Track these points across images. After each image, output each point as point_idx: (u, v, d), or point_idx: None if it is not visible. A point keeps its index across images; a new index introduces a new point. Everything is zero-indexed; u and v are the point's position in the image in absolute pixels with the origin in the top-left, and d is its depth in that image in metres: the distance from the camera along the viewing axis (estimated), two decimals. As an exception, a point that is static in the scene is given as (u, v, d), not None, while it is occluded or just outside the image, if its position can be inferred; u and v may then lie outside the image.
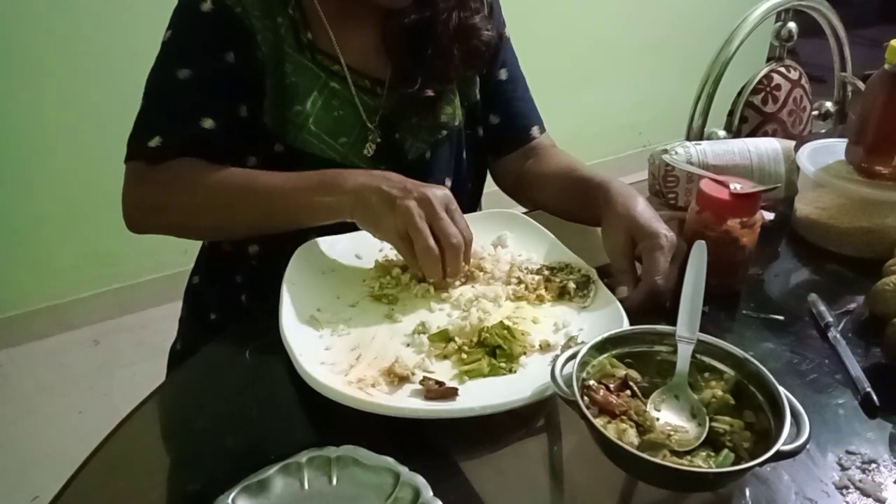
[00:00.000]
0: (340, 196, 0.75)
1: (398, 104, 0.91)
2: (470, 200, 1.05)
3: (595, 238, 0.81)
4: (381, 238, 0.75)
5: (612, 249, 0.77)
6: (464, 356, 0.67)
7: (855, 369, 0.67)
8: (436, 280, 0.74)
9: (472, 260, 0.78)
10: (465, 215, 0.93)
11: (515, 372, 0.65)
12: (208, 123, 0.83)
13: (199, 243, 1.04)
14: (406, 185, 0.73)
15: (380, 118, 0.91)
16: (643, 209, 0.77)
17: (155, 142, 0.82)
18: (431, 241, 0.71)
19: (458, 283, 0.77)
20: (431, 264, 0.71)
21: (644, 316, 0.68)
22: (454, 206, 0.74)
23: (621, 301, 0.72)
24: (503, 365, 0.66)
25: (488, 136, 1.02)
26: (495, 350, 0.67)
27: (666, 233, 0.74)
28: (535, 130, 1.02)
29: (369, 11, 0.90)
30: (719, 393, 0.58)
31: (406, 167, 0.91)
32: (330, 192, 0.76)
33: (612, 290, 0.74)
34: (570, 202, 0.90)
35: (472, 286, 0.77)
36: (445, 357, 0.67)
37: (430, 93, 0.90)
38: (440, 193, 0.73)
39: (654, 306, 0.71)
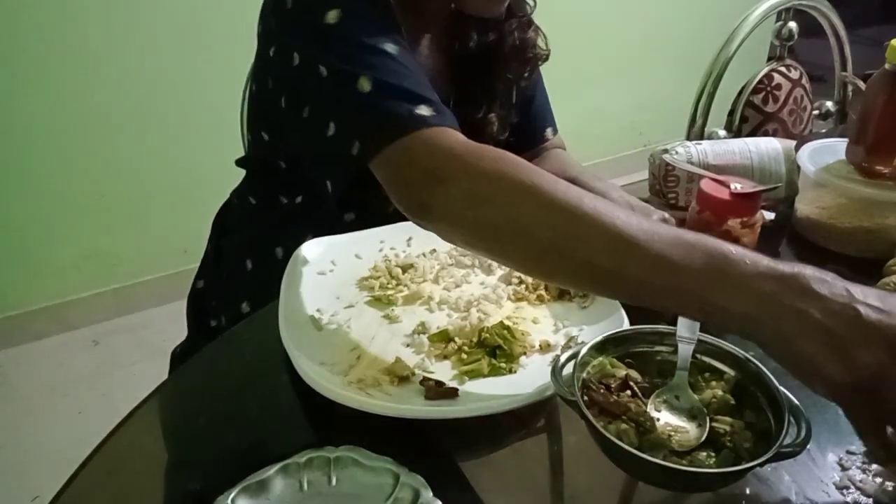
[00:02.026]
0: (744, 304, 0.49)
1: (461, 126, 0.88)
2: None
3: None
4: (828, 391, 0.48)
5: None
6: (464, 356, 0.67)
7: (855, 369, 0.66)
8: None
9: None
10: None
11: (515, 372, 0.65)
12: (434, 96, 0.68)
13: (202, 244, 1.03)
14: (860, 312, 0.47)
15: None
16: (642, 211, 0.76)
17: (425, 110, 0.65)
18: None
19: None
20: None
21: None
22: None
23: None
24: (503, 365, 0.65)
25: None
26: (495, 350, 0.67)
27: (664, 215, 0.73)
28: (548, 132, 1.02)
29: (437, 33, 0.89)
30: (720, 393, 0.58)
31: None
32: (728, 292, 0.50)
33: None
34: None
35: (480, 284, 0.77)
36: (445, 357, 0.67)
37: (492, 118, 0.90)
38: None
39: None
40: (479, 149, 0.61)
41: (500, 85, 0.90)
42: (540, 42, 0.93)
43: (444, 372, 0.65)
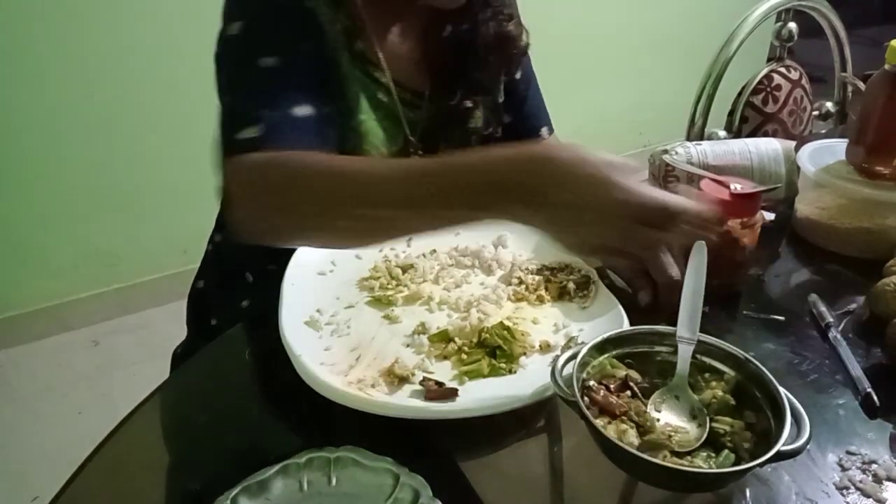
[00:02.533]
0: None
1: (437, 116, 0.90)
2: None
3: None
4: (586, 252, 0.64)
5: (613, 263, 0.76)
6: (464, 356, 0.67)
7: (855, 370, 0.67)
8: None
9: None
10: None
11: (515, 372, 0.65)
12: (306, 110, 0.74)
13: (202, 244, 1.04)
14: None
15: (421, 130, 0.90)
16: None
17: (252, 132, 0.71)
18: (674, 271, 0.63)
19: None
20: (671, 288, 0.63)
21: (667, 318, 0.64)
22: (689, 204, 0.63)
23: (648, 307, 0.68)
24: (503, 365, 0.65)
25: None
26: (495, 350, 0.67)
27: None
28: (544, 131, 1.02)
29: (411, 23, 0.89)
30: (720, 393, 0.58)
31: None
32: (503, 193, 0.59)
33: (616, 293, 0.74)
34: None
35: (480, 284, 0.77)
36: (445, 357, 0.67)
37: (468, 104, 0.90)
38: (680, 203, 0.61)
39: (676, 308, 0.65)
40: (272, 163, 0.68)
41: (477, 74, 0.90)
42: (523, 37, 0.93)
43: (444, 372, 0.65)
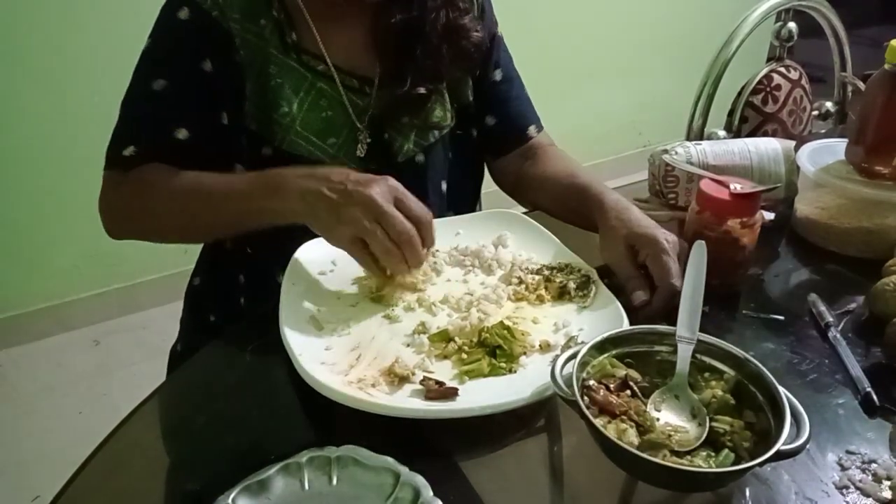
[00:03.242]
0: (285, 202, 0.73)
1: (388, 104, 0.90)
2: (469, 201, 1.05)
3: (595, 238, 0.81)
4: (336, 246, 0.73)
5: (613, 260, 0.77)
6: (464, 356, 0.67)
7: (855, 369, 0.67)
8: (401, 276, 0.74)
9: (436, 245, 0.78)
10: (465, 216, 0.94)
11: (515, 372, 0.65)
12: (182, 134, 0.83)
13: (200, 244, 1.04)
14: (347, 187, 0.70)
15: (369, 118, 0.90)
16: (638, 217, 0.77)
17: (129, 151, 0.83)
18: (387, 242, 0.69)
19: (421, 276, 0.77)
20: (393, 261, 0.71)
21: (665, 319, 0.66)
22: (401, 192, 0.71)
23: (642, 307, 0.71)
24: (503, 365, 0.66)
25: (485, 137, 1.02)
26: (495, 350, 0.67)
27: (665, 236, 0.74)
28: (531, 130, 1.02)
29: (356, 10, 0.89)
30: (719, 393, 0.58)
31: (398, 169, 0.91)
32: (274, 197, 0.74)
33: (616, 293, 0.74)
34: (566, 209, 0.91)
35: (481, 283, 0.77)
36: (445, 357, 0.67)
37: (421, 90, 0.90)
38: (383, 188, 0.70)
39: (675, 308, 0.70)
40: (132, 178, 0.84)
41: (428, 62, 0.90)
42: (478, 32, 0.93)
43: (444, 372, 0.65)
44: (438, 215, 0.97)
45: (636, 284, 0.74)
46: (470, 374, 0.65)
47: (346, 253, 0.80)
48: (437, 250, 0.83)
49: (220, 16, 0.83)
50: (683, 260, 0.75)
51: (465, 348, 0.67)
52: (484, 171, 1.07)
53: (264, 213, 0.75)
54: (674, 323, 0.61)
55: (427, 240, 0.72)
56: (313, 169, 0.74)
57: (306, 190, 0.72)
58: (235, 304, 0.94)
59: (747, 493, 0.54)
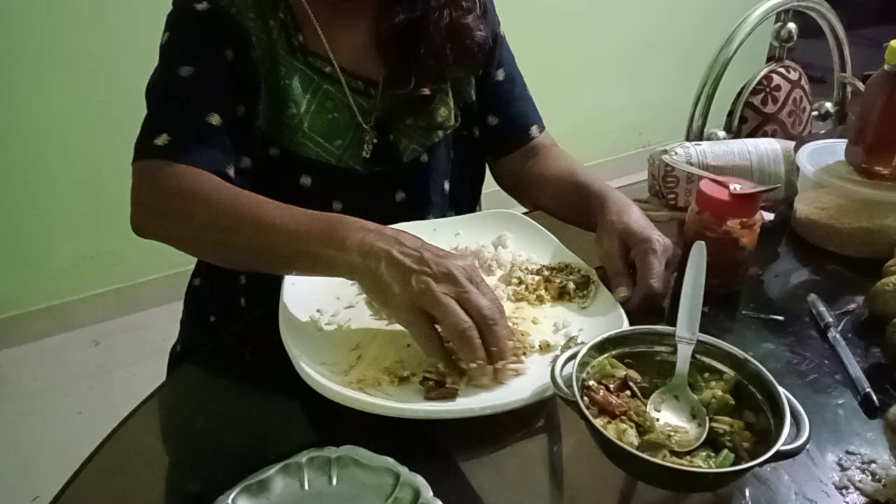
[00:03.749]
0: (342, 252, 0.65)
1: (393, 105, 0.90)
2: (469, 201, 1.05)
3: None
4: (390, 315, 0.67)
5: (605, 254, 0.77)
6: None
7: (855, 370, 0.67)
8: (477, 367, 0.61)
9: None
10: (465, 216, 0.94)
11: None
12: (215, 119, 0.81)
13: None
14: (423, 255, 0.63)
15: (375, 119, 0.90)
16: (637, 217, 0.77)
17: (162, 139, 0.78)
18: (465, 317, 0.60)
19: (510, 370, 0.63)
20: (470, 346, 0.60)
21: (641, 317, 0.68)
22: (479, 277, 0.64)
23: (622, 303, 0.72)
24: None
25: (487, 137, 1.02)
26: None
27: (659, 238, 0.75)
28: (534, 130, 1.02)
29: (360, 12, 0.90)
30: (719, 393, 0.58)
31: (402, 169, 0.92)
32: (330, 245, 0.66)
33: (611, 292, 0.74)
34: (568, 207, 0.91)
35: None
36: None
37: (425, 91, 0.90)
38: (462, 264, 0.63)
39: (651, 308, 0.72)
40: (171, 174, 0.76)
41: (431, 62, 0.90)
42: (482, 31, 0.93)
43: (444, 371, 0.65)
44: (441, 215, 0.97)
45: (621, 280, 0.74)
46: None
47: None
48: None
49: (237, 13, 0.83)
50: (674, 267, 0.75)
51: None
52: (485, 171, 1.07)
53: (318, 261, 0.67)
54: (674, 323, 0.61)
55: (506, 333, 0.63)
56: (381, 228, 0.67)
57: (371, 246, 0.64)
58: (236, 304, 0.94)
59: (747, 494, 0.54)
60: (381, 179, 0.92)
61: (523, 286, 0.77)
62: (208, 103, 0.81)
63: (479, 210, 1.07)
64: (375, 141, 0.91)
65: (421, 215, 0.93)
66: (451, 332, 0.61)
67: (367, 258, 0.64)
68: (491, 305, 0.62)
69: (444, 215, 0.97)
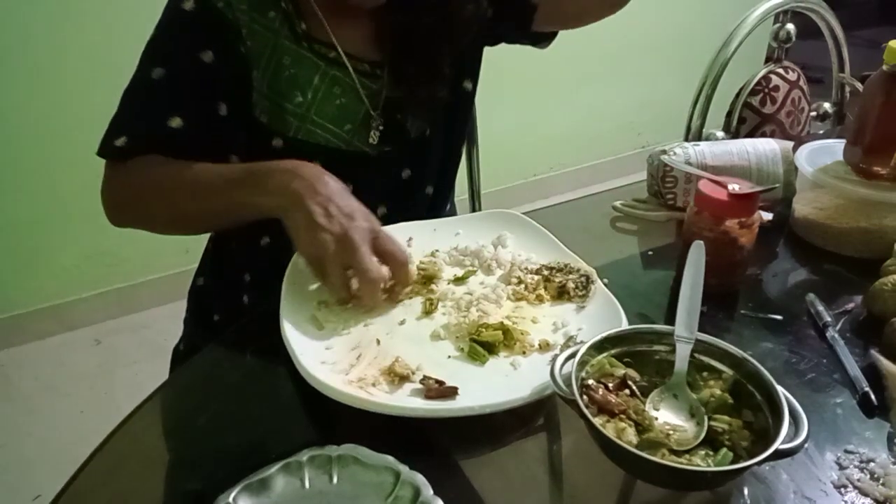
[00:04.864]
0: (264, 196, 0.73)
1: (400, 83, 0.91)
2: (456, 165, 1.08)
3: (595, 239, 0.81)
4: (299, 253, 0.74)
5: None
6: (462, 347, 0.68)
7: (853, 369, 0.67)
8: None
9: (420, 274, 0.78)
10: (465, 216, 0.95)
11: (516, 367, 0.66)
12: (176, 122, 0.82)
13: (202, 243, 1.04)
14: (330, 210, 0.69)
15: (384, 101, 0.91)
16: None
17: (121, 141, 0.82)
18: (349, 291, 0.70)
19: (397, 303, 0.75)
20: (343, 302, 0.72)
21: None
22: (381, 231, 0.72)
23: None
24: (504, 356, 0.67)
25: (499, 34, 1.02)
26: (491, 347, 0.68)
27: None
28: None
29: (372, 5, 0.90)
30: (718, 392, 0.58)
31: (409, 146, 0.94)
32: (255, 191, 0.74)
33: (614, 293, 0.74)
34: None
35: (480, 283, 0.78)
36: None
37: (430, 67, 0.91)
38: (364, 226, 0.70)
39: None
40: (126, 171, 0.83)
41: (435, 37, 0.90)
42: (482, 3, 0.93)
43: (443, 359, 0.66)
44: (439, 183, 1.01)
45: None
46: (471, 354, 0.66)
47: None
48: (438, 250, 0.84)
49: (226, 7, 0.82)
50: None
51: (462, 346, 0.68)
52: (465, 131, 1.08)
53: (250, 207, 0.75)
54: (671, 322, 0.61)
55: (403, 279, 0.74)
56: (302, 166, 0.73)
57: (286, 188, 0.71)
58: (239, 302, 0.94)
59: (746, 492, 0.55)
60: (389, 160, 0.93)
61: (523, 286, 0.77)
62: (173, 106, 0.82)
63: (479, 210, 1.08)
64: (382, 124, 0.91)
65: (422, 189, 0.97)
66: (329, 286, 0.71)
67: (282, 198, 0.71)
68: (372, 272, 0.69)
69: (442, 181, 1.01)
